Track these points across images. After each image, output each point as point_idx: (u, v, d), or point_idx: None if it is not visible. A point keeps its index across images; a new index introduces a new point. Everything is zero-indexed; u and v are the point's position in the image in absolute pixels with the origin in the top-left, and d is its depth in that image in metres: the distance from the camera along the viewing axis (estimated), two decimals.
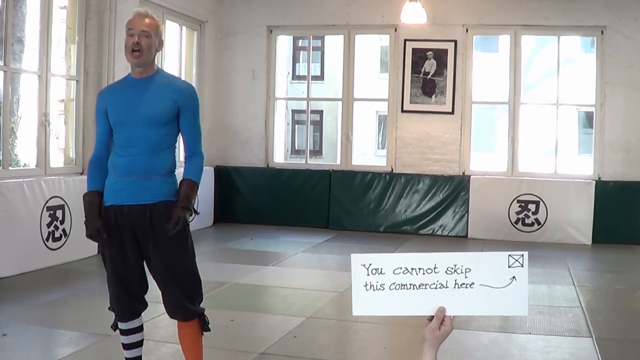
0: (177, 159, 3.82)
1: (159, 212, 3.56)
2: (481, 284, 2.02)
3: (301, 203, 11.01)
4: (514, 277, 2.01)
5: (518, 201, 10.19)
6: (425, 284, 2.04)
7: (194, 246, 3.73)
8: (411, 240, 10.03)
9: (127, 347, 3.74)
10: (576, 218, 10.00)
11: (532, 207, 10.14)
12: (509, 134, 10.75)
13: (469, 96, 10.74)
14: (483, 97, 13.22)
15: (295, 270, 7.92)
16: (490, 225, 10.25)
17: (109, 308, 3.74)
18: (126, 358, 3.76)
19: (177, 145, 3.80)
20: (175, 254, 3.58)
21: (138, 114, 3.55)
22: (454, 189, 10.52)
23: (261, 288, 6.99)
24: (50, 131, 8.01)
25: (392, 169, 10.96)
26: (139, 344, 3.76)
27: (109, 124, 3.64)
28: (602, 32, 10.21)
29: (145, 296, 3.76)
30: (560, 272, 7.95)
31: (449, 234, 10.49)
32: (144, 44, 3.53)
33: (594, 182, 10.08)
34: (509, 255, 2.02)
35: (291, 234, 10.36)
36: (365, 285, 2.05)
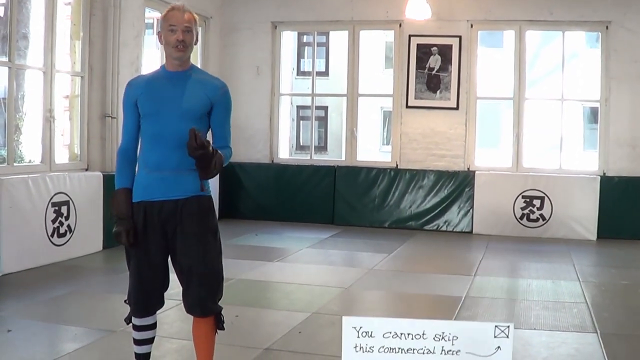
0: None
1: (189, 207, 3.56)
2: (467, 351, 2.10)
3: (306, 199, 11.01)
4: (498, 347, 2.10)
5: (523, 197, 10.17)
6: (413, 349, 2.10)
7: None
8: (416, 236, 10.03)
9: (138, 342, 3.73)
10: (581, 213, 9.98)
11: (537, 202, 10.12)
12: (513, 130, 10.74)
13: (474, 92, 10.72)
14: (488, 92, 13.15)
15: (300, 266, 7.93)
16: (495, 220, 10.24)
17: (125, 301, 3.72)
18: (136, 353, 3.75)
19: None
20: (203, 251, 3.56)
21: (172, 106, 3.53)
22: (459, 185, 10.51)
23: (266, 284, 7.00)
24: (55, 127, 8.02)
25: (397, 165, 10.95)
26: (151, 340, 3.75)
27: (138, 115, 3.61)
28: (606, 28, 10.18)
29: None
30: (565, 267, 7.94)
31: (454, 230, 10.48)
32: (187, 40, 3.55)
33: (599, 177, 10.06)
34: (496, 326, 2.10)
35: (296, 229, 10.36)
36: (355, 347, 2.12)
